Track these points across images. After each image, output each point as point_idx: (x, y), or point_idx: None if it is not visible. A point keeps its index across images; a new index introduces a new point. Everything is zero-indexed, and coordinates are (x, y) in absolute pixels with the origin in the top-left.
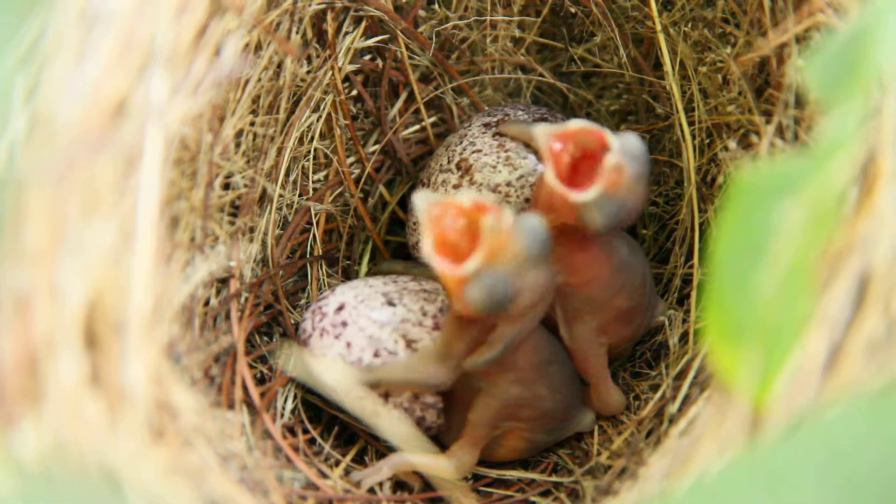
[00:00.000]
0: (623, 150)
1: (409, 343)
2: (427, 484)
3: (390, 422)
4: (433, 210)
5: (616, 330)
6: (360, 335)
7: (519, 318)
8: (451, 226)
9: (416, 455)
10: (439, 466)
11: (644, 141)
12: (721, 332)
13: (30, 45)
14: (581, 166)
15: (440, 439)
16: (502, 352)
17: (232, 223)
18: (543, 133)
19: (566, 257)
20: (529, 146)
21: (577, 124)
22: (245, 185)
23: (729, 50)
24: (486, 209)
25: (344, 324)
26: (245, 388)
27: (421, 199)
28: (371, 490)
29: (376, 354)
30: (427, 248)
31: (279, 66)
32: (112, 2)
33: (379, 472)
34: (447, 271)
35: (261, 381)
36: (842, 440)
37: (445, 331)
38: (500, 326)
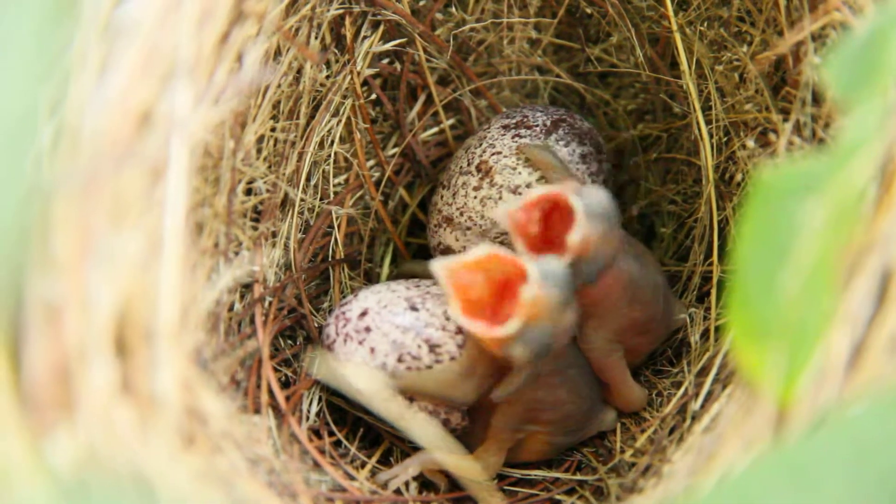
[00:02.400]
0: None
1: (433, 347)
2: (453, 484)
3: (417, 424)
4: (453, 273)
5: (631, 339)
6: (383, 340)
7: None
8: (472, 283)
9: (443, 455)
10: (467, 467)
11: (607, 197)
12: (745, 330)
13: (55, 56)
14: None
15: (465, 441)
16: (528, 380)
17: (255, 228)
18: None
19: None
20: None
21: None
22: (267, 191)
23: (745, 48)
24: (500, 261)
25: (367, 329)
26: (271, 392)
27: (438, 266)
28: (397, 491)
29: (400, 359)
30: (455, 312)
31: (299, 71)
32: (136, 13)
33: (406, 470)
34: (485, 333)
35: (286, 384)
36: (866, 436)
37: (468, 349)
38: None
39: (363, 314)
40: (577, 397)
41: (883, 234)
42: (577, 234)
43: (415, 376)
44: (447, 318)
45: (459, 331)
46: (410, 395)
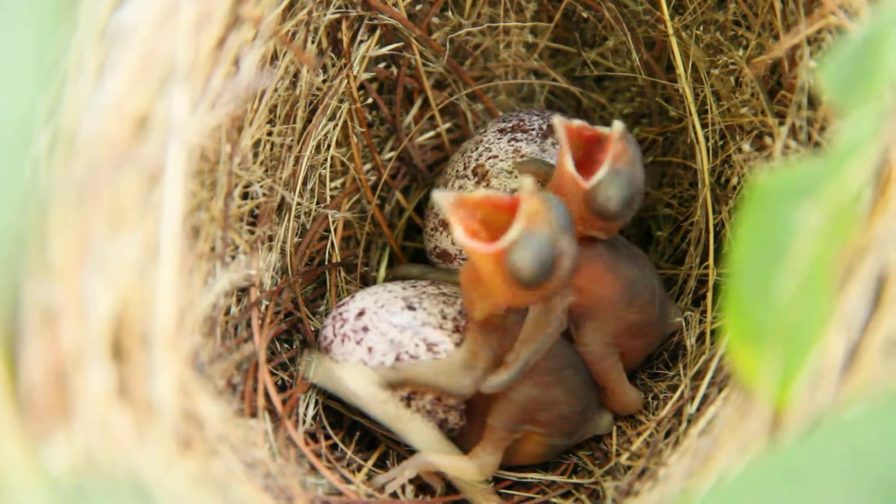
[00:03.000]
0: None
1: (430, 346)
2: (449, 487)
3: (413, 426)
4: (455, 202)
5: (627, 342)
6: (381, 340)
7: (555, 295)
8: (472, 217)
9: (439, 457)
10: (463, 468)
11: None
12: (741, 333)
13: (52, 61)
14: (584, 164)
15: (461, 442)
16: (520, 372)
17: (251, 232)
18: (560, 122)
19: (575, 279)
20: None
21: (578, 122)
22: (264, 195)
23: (741, 52)
24: (498, 201)
25: (365, 329)
26: (267, 396)
27: (441, 195)
28: (394, 494)
29: (398, 358)
30: (459, 235)
31: (295, 75)
32: (133, 18)
33: (402, 473)
34: (486, 249)
35: (282, 388)
36: (862, 439)
37: (468, 342)
38: (515, 347)
39: (360, 314)
40: (573, 398)
41: (878, 237)
42: (619, 128)
43: (414, 367)
44: (444, 317)
45: (457, 329)
46: (410, 387)
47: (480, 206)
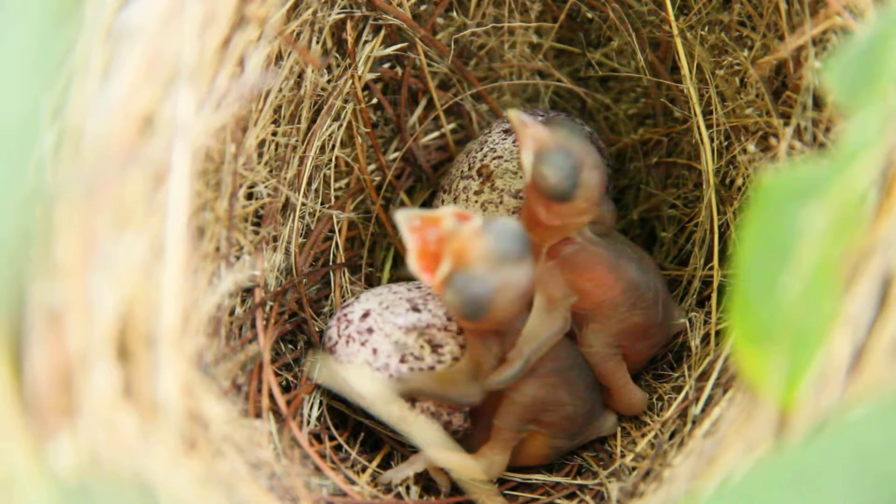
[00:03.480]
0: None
1: (435, 348)
2: (454, 488)
3: (419, 427)
4: (413, 224)
5: (631, 343)
6: (385, 341)
7: (507, 323)
8: (431, 238)
9: (448, 454)
10: (471, 467)
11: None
12: (747, 334)
13: (58, 61)
14: None
15: (466, 443)
16: (522, 369)
17: (256, 233)
18: (514, 115)
19: (573, 283)
20: None
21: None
22: (268, 195)
23: (746, 53)
24: (462, 218)
25: (370, 330)
26: (272, 397)
27: (401, 215)
28: (398, 495)
29: (402, 360)
30: (410, 260)
31: (300, 75)
32: (138, 18)
33: (411, 465)
34: (427, 281)
35: (286, 388)
36: (868, 440)
37: (469, 351)
38: (518, 344)
39: (365, 315)
40: (578, 399)
41: (884, 238)
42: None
43: (420, 379)
44: (449, 319)
45: (461, 331)
46: (416, 399)
47: (437, 223)
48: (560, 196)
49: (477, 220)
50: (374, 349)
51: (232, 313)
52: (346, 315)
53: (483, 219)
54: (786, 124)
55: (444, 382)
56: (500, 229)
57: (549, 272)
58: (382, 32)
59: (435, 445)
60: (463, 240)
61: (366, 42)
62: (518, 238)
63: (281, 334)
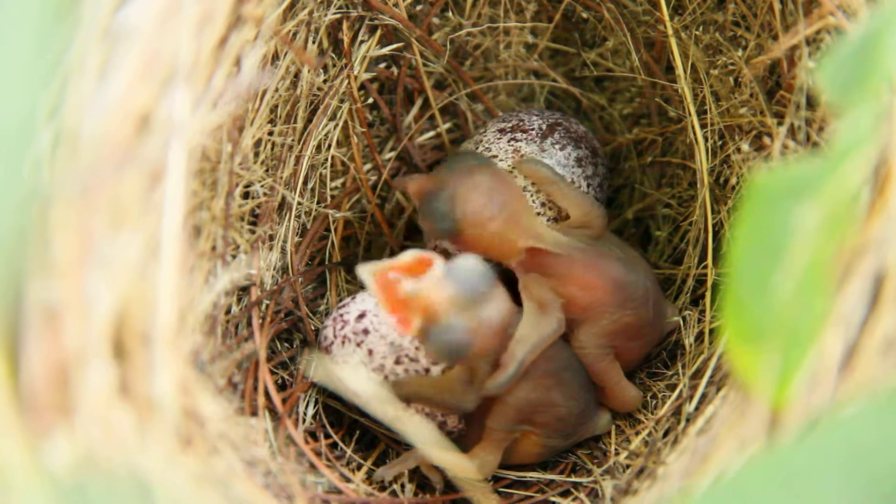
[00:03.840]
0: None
1: None
2: (449, 486)
3: (414, 426)
4: (379, 277)
5: (623, 342)
6: (381, 342)
7: (492, 352)
8: (397, 284)
9: (440, 453)
10: (463, 466)
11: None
12: (739, 332)
13: (55, 60)
14: None
15: (460, 443)
16: (517, 372)
17: (252, 232)
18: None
19: (557, 290)
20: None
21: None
22: (264, 194)
23: (740, 53)
24: (425, 264)
25: (366, 331)
26: (268, 395)
27: (364, 271)
28: (393, 493)
29: (398, 361)
30: (386, 312)
31: (296, 75)
32: (135, 17)
33: (405, 461)
34: (404, 334)
35: (282, 387)
36: (859, 438)
37: None
38: (510, 347)
39: (361, 316)
40: (571, 400)
41: (876, 236)
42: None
43: (416, 384)
44: None
45: None
46: (412, 403)
47: (404, 270)
48: (450, 235)
49: (437, 267)
50: (370, 350)
51: (228, 312)
52: (342, 315)
53: (443, 264)
54: (779, 123)
55: (439, 389)
56: (463, 272)
57: (532, 280)
58: (378, 32)
59: (429, 445)
60: (427, 295)
61: (362, 42)
62: (481, 276)
63: (277, 333)
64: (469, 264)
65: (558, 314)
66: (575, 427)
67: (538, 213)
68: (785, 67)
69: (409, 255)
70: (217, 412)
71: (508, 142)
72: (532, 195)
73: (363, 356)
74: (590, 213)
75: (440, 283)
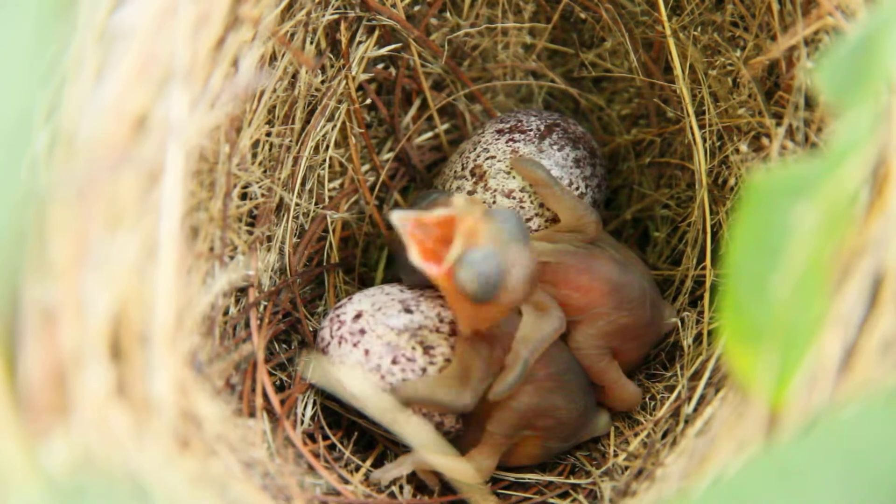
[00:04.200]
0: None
1: (427, 349)
2: (447, 487)
3: (411, 427)
4: (411, 223)
5: (620, 343)
6: (378, 342)
7: (516, 303)
8: (429, 237)
9: (437, 456)
10: (460, 469)
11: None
12: (737, 333)
13: (52, 61)
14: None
15: (458, 444)
16: (524, 371)
17: (250, 233)
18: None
19: (554, 292)
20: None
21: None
22: (262, 195)
23: (738, 53)
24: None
25: (362, 332)
26: (266, 396)
27: (397, 216)
28: (391, 494)
29: (394, 361)
30: (414, 257)
31: (294, 76)
32: (132, 18)
33: (400, 466)
34: (435, 272)
35: (280, 388)
36: (858, 439)
37: (459, 355)
38: (514, 348)
39: (358, 316)
40: (572, 402)
41: (874, 237)
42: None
43: (412, 388)
44: (441, 320)
45: (453, 332)
46: (409, 406)
47: (438, 225)
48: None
49: (480, 207)
50: (367, 350)
51: (226, 313)
52: (338, 316)
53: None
54: (778, 124)
55: (435, 391)
56: (505, 214)
57: None
58: (376, 33)
59: (425, 446)
60: (473, 220)
61: (360, 43)
62: (521, 223)
63: (275, 334)
64: (511, 211)
65: (558, 312)
66: (575, 430)
67: (536, 214)
68: (783, 68)
69: (442, 212)
70: (215, 413)
71: (506, 142)
72: (529, 196)
73: (360, 356)
74: (583, 218)
75: (484, 216)
